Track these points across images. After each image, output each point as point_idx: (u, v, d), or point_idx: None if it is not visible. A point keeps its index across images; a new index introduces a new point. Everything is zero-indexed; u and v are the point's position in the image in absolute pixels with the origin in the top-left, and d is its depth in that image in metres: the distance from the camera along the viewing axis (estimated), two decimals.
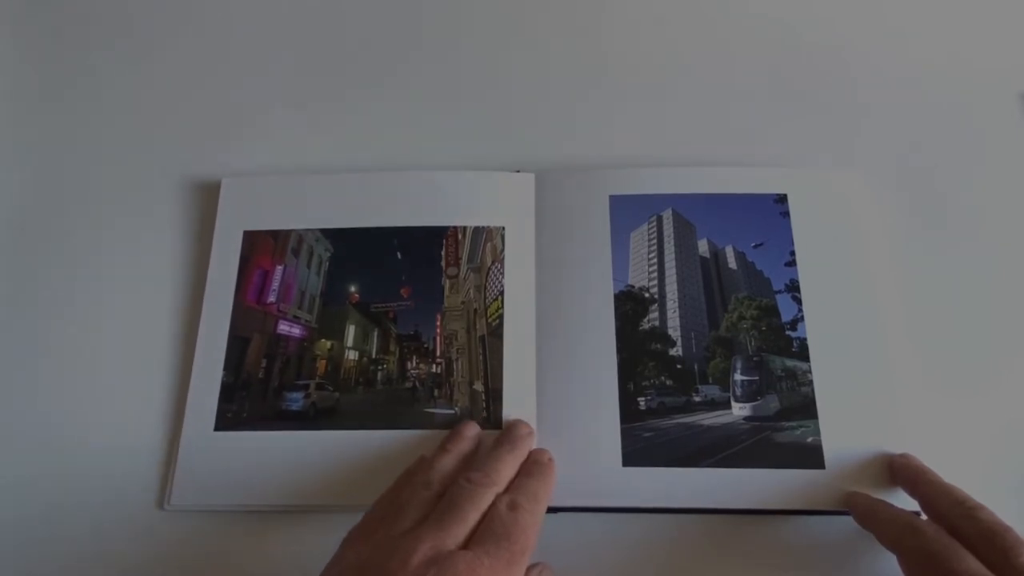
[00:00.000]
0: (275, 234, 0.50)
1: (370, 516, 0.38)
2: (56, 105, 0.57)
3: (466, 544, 0.35)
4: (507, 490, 0.39)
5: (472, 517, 0.36)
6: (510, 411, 0.45)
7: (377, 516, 0.38)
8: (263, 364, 0.48)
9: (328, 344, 0.48)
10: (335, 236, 0.50)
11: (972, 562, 0.35)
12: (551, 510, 0.43)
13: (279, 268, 0.50)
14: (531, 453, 0.42)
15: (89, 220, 0.53)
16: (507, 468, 0.40)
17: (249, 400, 0.46)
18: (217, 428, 0.45)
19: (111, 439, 0.46)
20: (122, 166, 0.54)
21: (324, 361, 0.48)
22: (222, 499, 0.44)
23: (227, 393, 0.46)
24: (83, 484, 0.45)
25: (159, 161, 0.54)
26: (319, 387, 0.47)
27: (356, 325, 0.49)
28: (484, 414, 0.45)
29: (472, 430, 0.44)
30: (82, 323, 0.49)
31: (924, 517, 0.40)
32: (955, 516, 0.38)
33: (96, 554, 0.43)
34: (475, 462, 0.41)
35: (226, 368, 0.47)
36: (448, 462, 0.41)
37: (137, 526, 0.44)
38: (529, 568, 0.38)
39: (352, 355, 0.48)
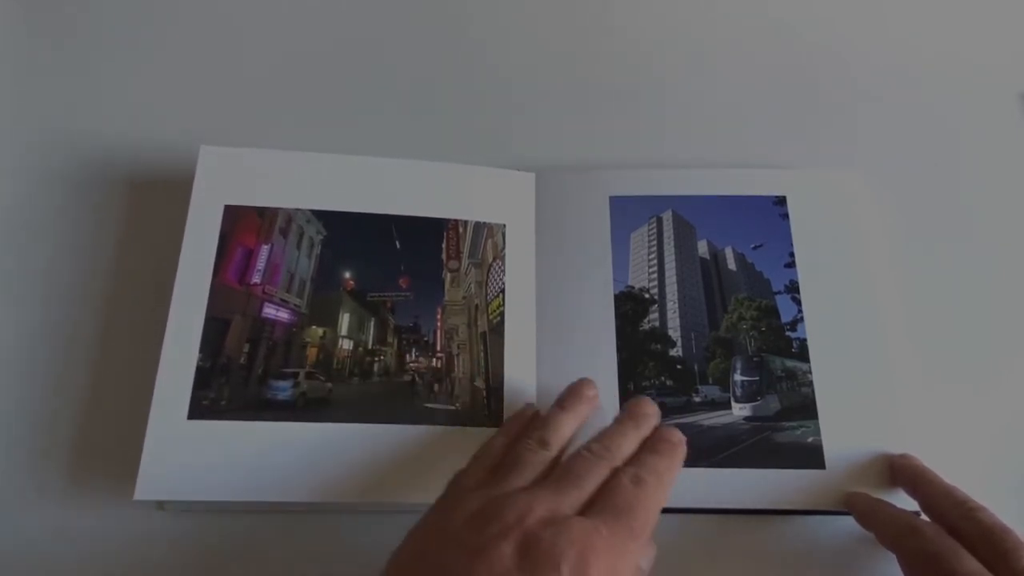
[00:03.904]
0: (261, 211, 0.48)
1: (479, 463, 0.37)
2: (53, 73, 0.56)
3: (582, 513, 0.34)
4: (629, 464, 0.37)
5: (590, 487, 0.35)
6: (511, 409, 0.44)
7: (487, 465, 0.37)
8: (245, 349, 0.45)
9: (320, 331, 0.46)
10: (328, 218, 0.48)
11: (972, 563, 0.35)
12: None
13: (264, 247, 0.47)
14: (660, 431, 0.40)
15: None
16: (629, 444, 0.38)
17: (229, 387, 0.44)
18: (191, 416, 0.42)
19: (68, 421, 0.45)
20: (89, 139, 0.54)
21: (315, 349, 0.46)
22: (196, 494, 0.41)
23: (203, 378, 0.43)
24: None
25: (132, 130, 0.54)
26: (309, 376, 0.45)
27: (351, 313, 0.47)
28: (485, 412, 0.45)
29: (591, 390, 0.42)
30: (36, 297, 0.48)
31: (925, 518, 0.40)
32: (956, 517, 0.38)
33: (55, 549, 0.42)
34: (596, 434, 0.39)
35: (202, 351, 0.44)
36: (567, 423, 0.39)
37: (99, 518, 0.42)
38: None
39: (346, 344, 0.47)
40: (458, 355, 0.47)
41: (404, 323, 0.48)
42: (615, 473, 0.36)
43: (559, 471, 0.36)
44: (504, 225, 0.49)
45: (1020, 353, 0.48)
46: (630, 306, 0.48)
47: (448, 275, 0.48)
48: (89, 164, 0.52)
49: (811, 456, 0.43)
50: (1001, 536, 0.36)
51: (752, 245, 0.50)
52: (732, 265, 0.50)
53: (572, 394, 0.42)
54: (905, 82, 0.57)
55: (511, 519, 0.32)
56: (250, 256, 0.47)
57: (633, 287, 0.49)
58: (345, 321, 0.47)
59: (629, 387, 0.46)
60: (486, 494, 0.34)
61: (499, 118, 0.56)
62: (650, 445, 0.39)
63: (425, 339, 0.47)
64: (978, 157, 0.55)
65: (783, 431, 0.45)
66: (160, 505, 0.42)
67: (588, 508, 0.34)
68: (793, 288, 0.48)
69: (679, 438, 0.39)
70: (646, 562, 0.36)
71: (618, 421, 0.40)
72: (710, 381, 0.47)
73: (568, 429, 0.39)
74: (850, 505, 0.42)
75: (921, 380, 0.47)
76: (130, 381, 0.45)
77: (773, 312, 0.48)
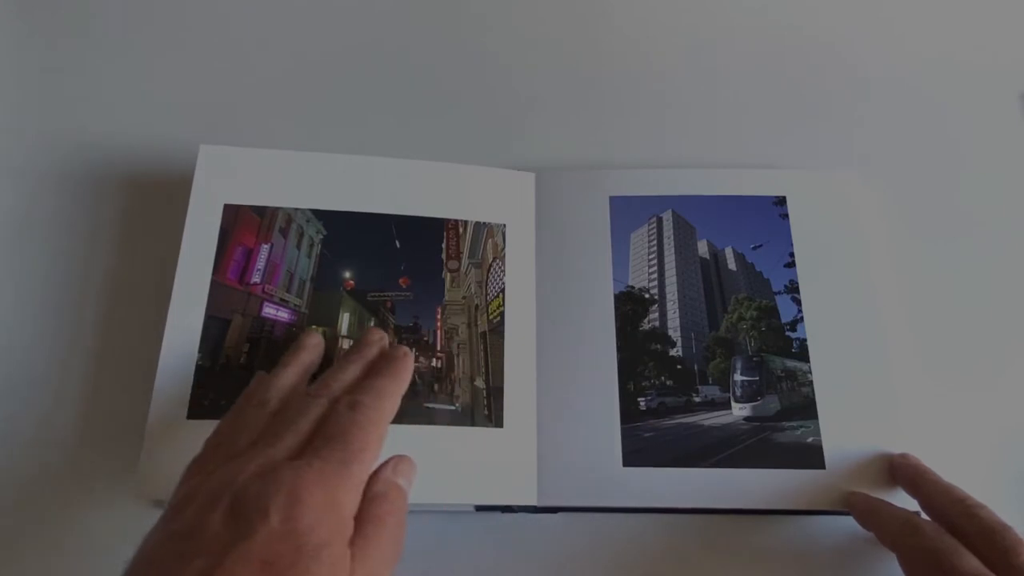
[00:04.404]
0: (260, 210, 0.48)
1: (207, 445, 0.35)
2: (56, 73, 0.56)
3: (300, 454, 0.32)
4: (347, 391, 0.36)
5: (306, 427, 0.33)
6: (511, 409, 0.44)
7: (213, 444, 0.35)
8: (245, 348, 0.45)
9: (320, 331, 0.46)
10: (328, 218, 0.48)
11: (972, 560, 0.35)
12: (551, 510, 0.43)
13: (264, 247, 0.47)
14: (384, 350, 0.39)
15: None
16: (349, 375, 0.37)
17: (229, 386, 0.43)
18: (191, 416, 0.42)
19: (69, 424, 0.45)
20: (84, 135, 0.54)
21: None
22: None
23: (203, 378, 0.43)
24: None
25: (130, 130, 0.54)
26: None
27: (351, 313, 0.47)
28: (485, 412, 0.45)
29: (314, 339, 0.41)
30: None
31: (924, 517, 0.40)
32: (955, 515, 0.38)
33: (54, 549, 0.42)
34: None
35: (202, 350, 0.44)
36: (288, 376, 0.38)
37: (98, 519, 0.42)
38: (382, 466, 0.35)
39: (347, 344, 0.47)
40: (458, 355, 0.47)
41: (404, 323, 0.48)
42: (332, 404, 0.35)
43: (275, 420, 0.35)
44: (504, 225, 0.49)
45: (1020, 353, 0.48)
46: (630, 306, 0.48)
47: (448, 275, 0.48)
48: (89, 163, 0.52)
49: (811, 456, 0.43)
50: (1001, 533, 0.36)
51: (752, 245, 0.50)
52: (732, 265, 0.50)
53: (292, 347, 0.41)
54: (905, 82, 0.57)
55: (220, 487, 0.30)
56: (250, 255, 0.47)
57: (633, 287, 0.49)
58: (345, 321, 0.47)
59: (629, 387, 0.46)
60: (205, 471, 0.33)
61: (499, 118, 0.56)
62: (373, 368, 0.38)
63: (425, 339, 0.47)
64: (978, 157, 0.55)
65: (783, 431, 0.45)
66: (160, 504, 0.42)
67: (306, 447, 0.33)
68: (793, 288, 0.48)
69: (403, 352, 0.39)
70: (404, 480, 0.35)
71: (341, 357, 0.39)
72: (710, 381, 0.47)
73: (287, 381, 0.38)
74: (850, 505, 0.42)
75: (921, 380, 0.47)
76: (130, 380, 0.45)
77: (773, 312, 0.48)
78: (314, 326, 0.46)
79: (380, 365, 0.38)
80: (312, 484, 0.30)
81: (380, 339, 0.40)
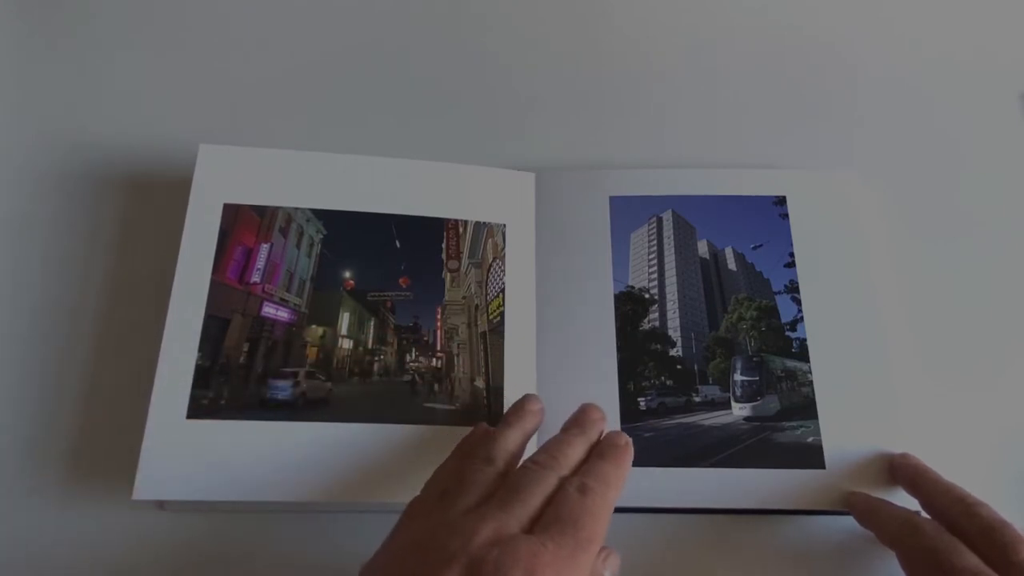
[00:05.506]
0: (260, 210, 0.48)
1: (430, 489, 0.37)
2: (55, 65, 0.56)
3: (530, 528, 0.33)
4: (576, 473, 0.36)
5: (536, 500, 0.34)
6: None
7: (437, 490, 0.36)
8: (245, 348, 0.45)
9: (320, 331, 0.46)
10: (328, 218, 0.48)
11: (972, 558, 0.35)
12: None
13: (264, 246, 0.47)
14: (607, 435, 0.40)
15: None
16: (575, 451, 0.38)
17: (228, 386, 0.44)
18: (191, 416, 0.42)
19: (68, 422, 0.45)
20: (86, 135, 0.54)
21: (315, 349, 0.46)
22: (195, 493, 0.41)
23: (202, 378, 0.43)
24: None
25: (129, 129, 0.54)
26: (309, 376, 0.45)
27: (351, 313, 0.47)
28: (485, 411, 0.45)
29: (536, 404, 0.42)
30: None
31: (924, 516, 0.40)
32: (955, 513, 0.38)
33: (54, 550, 0.42)
34: (542, 444, 0.38)
35: (201, 350, 0.44)
36: (513, 438, 0.39)
37: (99, 518, 0.43)
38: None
39: (346, 344, 0.47)
40: (458, 355, 0.47)
41: (404, 323, 0.48)
42: (561, 483, 0.35)
43: (505, 487, 0.35)
44: (504, 225, 0.49)
45: (1020, 353, 0.48)
46: (630, 306, 0.48)
47: (448, 275, 0.48)
48: (88, 163, 0.52)
49: (811, 456, 0.43)
50: (1000, 530, 0.36)
51: (752, 245, 0.50)
52: (732, 265, 0.50)
53: (516, 409, 0.41)
54: (905, 82, 0.57)
55: (456, 545, 0.31)
56: (249, 255, 0.47)
57: (633, 287, 0.49)
58: (345, 320, 0.47)
59: (629, 387, 0.46)
60: (433, 520, 0.34)
61: (499, 118, 0.56)
62: (597, 451, 0.38)
63: (425, 339, 0.47)
64: (978, 157, 0.55)
65: (783, 431, 0.45)
66: (160, 505, 0.42)
67: (536, 522, 0.33)
68: (793, 288, 0.48)
69: (625, 441, 0.39)
70: (609, 572, 0.36)
71: (564, 429, 0.40)
72: (710, 381, 0.47)
73: (513, 444, 0.39)
74: (850, 504, 0.42)
75: (921, 379, 0.47)
76: (129, 380, 0.45)
77: (773, 312, 0.48)
78: (313, 324, 0.46)
79: (604, 450, 0.38)
80: (546, 566, 0.31)
81: (602, 418, 0.41)
